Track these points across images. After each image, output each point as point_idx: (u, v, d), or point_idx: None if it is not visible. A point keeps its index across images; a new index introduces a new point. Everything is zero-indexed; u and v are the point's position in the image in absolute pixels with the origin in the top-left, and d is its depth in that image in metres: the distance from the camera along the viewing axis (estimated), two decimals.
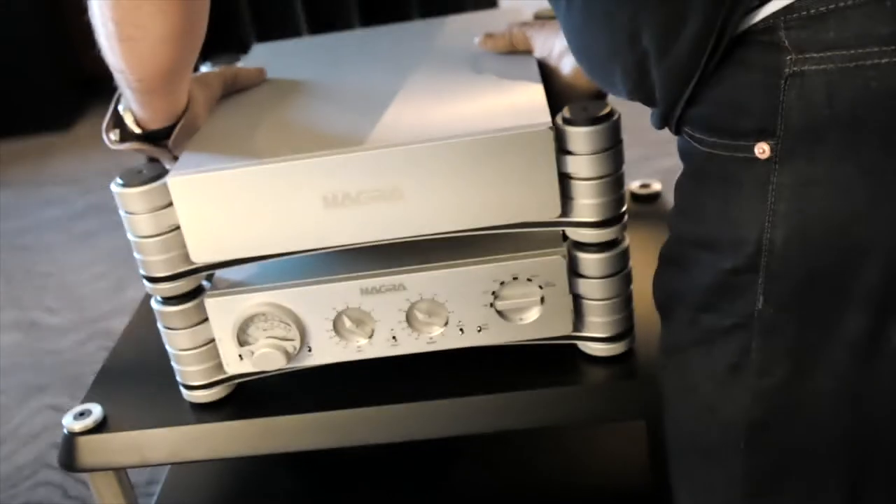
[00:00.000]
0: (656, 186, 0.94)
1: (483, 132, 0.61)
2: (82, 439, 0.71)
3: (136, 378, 0.77)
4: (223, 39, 1.13)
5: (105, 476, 0.74)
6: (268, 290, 0.67)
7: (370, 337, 0.68)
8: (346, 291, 0.66)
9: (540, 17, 0.85)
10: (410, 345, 0.69)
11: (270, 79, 0.79)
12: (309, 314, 0.67)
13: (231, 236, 0.64)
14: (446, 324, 0.68)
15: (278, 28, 1.07)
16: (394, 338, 0.68)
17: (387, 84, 0.73)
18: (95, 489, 0.74)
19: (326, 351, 0.69)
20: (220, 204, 0.63)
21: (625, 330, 0.69)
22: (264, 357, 0.67)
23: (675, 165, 0.56)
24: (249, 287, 0.67)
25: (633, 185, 0.95)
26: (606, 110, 0.62)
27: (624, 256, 0.66)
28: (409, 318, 0.68)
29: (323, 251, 0.65)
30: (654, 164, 1.99)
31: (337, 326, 0.68)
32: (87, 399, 0.75)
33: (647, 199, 0.94)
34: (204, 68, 0.86)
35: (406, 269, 0.66)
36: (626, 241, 0.67)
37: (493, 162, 0.61)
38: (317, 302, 0.67)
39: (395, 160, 0.61)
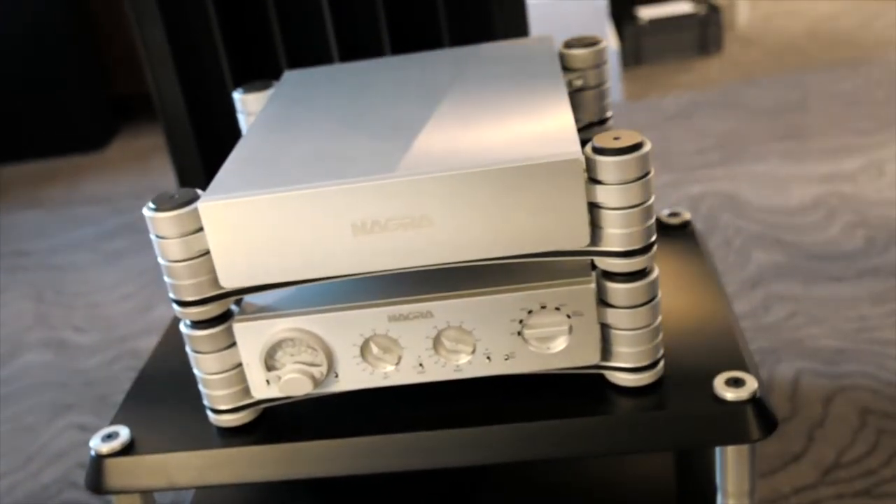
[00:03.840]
0: (685, 215, 0.94)
1: (512, 161, 0.61)
2: (110, 461, 0.71)
3: (163, 400, 0.78)
4: (256, 66, 1.14)
5: (131, 499, 0.74)
6: (296, 316, 0.67)
7: (397, 364, 0.68)
8: (373, 318, 0.67)
9: (570, 46, 0.86)
10: (437, 372, 0.68)
11: (303, 104, 0.80)
12: (336, 340, 0.67)
13: (260, 262, 0.64)
14: (473, 351, 0.68)
15: (310, 54, 1.08)
16: (420, 365, 0.68)
17: (417, 112, 0.74)
18: None
19: (353, 377, 0.69)
20: (250, 230, 0.63)
21: (653, 361, 0.68)
22: (291, 382, 0.67)
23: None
24: (278, 312, 0.67)
25: (662, 214, 0.94)
26: (636, 140, 0.62)
27: (653, 286, 0.66)
28: (437, 346, 0.68)
29: (352, 277, 0.65)
30: (683, 190, 1.98)
31: (364, 353, 0.68)
32: (115, 421, 0.75)
33: (676, 228, 0.93)
34: (236, 95, 0.87)
35: (434, 297, 0.66)
36: (656, 272, 0.66)
37: (522, 191, 0.61)
38: (345, 328, 0.67)
39: (424, 188, 0.62)
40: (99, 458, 0.72)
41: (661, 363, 0.69)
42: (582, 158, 0.61)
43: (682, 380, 0.70)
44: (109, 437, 0.73)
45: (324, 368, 0.68)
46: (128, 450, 0.72)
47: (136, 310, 1.94)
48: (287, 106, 0.81)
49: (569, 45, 0.86)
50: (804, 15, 3.26)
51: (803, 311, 1.54)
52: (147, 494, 0.74)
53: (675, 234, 0.93)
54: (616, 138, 0.63)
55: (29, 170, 2.90)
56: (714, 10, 2.93)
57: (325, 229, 0.63)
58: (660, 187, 2.04)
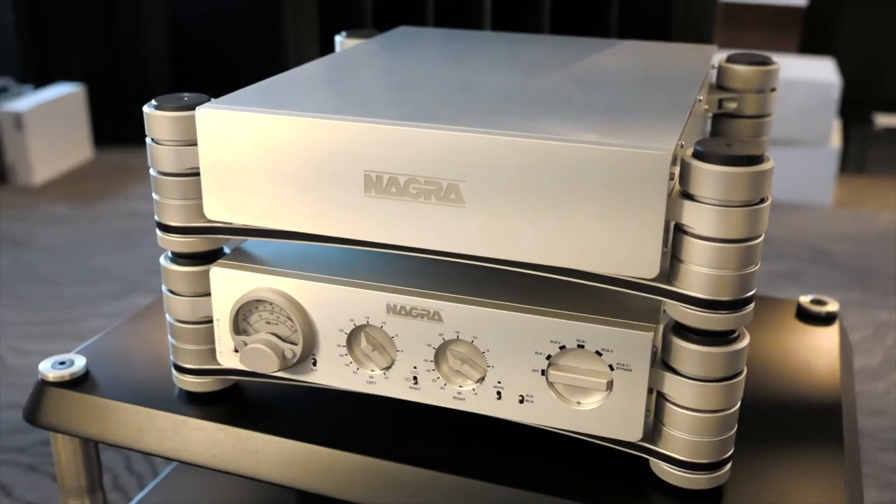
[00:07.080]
0: (833, 306, 0.73)
1: (575, 140, 0.46)
2: (53, 391, 0.61)
3: (141, 348, 0.67)
4: (401, 18, 1.04)
5: (72, 444, 0.63)
6: (278, 276, 0.54)
7: (387, 368, 0.54)
8: (369, 302, 0.52)
9: (733, 61, 0.69)
10: (432, 394, 0.53)
11: (388, 53, 0.68)
12: (321, 318, 0.54)
13: (249, 196, 0.52)
14: (482, 380, 0.52)
15: (461, 22, 0.96)
16: (414, 378, 0.53)
17: (501, 81, 0.60)
18: (56, 451, 0.64)
19: (332, 371, 0.55)
20: (245, 152, 0.51)
21: (717, 459, 0.50)
22: (255, 353, 0.54)
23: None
24: (260, 266, 0.55)
25: (804, 298, 0.74)
26: (755, 151, 0.45)
27: (737, 358, 0.48)
28: (439, 359, 0.53)
29: (353, 246, 0.52)
30: (871, 314, 1.70)
31: (351, 344, 0.54)
32: (79, 350, 0.65)
33: (819, 320, 0.73)
34: (338, 38, 0.77)
35: (447, 297, 0.51)
36: (746, 340, 0.48)
37: (582, 183, 0.46)
38: (333, 306, 0.53)
39: (457, 147, 0.47)
40: (43, 385, 0.62)
41: (728, 466, 0.51)
42: (669, 155, 0.45)
43: (750, 495, 0.51)
44: (62, 363, 0.63)
45: (298, 349, 0.54)
46: (77, 383, 0.62)
47: None
48: (371, 52, 0.69)
49: (732, 58, 0.69)
50: None
51: None
52: (86, 443, 0.64)
53: (816, 325, 0.72)
54: (729, 144, 0.46)
55: None
56: None
57: (330, 174, 0.50)
58: (846, 303, 1.78)
